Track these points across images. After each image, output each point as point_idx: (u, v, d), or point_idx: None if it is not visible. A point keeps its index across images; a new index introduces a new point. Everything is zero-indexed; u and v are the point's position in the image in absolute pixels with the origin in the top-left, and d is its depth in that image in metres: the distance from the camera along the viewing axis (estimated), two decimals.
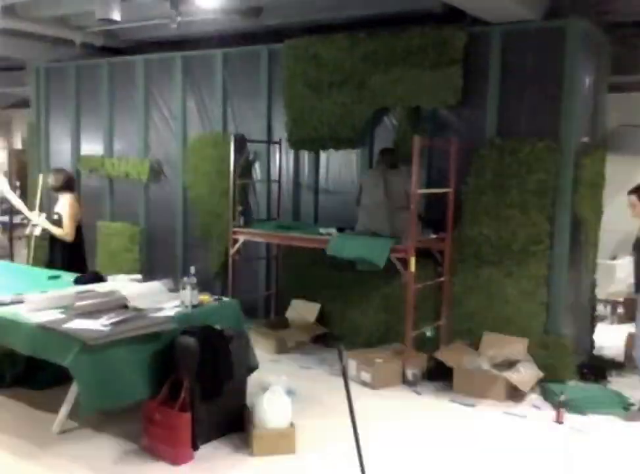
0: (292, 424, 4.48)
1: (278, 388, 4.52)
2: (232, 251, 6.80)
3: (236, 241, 6.81)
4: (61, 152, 9.27)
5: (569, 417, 5.09)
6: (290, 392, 4.62)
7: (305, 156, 7.29)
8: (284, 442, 4.41)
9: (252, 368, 5.14)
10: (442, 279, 6.18)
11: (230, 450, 4.47)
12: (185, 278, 4.97)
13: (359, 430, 4.71)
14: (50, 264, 6.57)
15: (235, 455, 4.41)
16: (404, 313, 5.98)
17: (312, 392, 5.52)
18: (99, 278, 5.77)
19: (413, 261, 5.66)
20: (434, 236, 6.08)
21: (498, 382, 5.46)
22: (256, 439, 4.39)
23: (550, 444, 4.69)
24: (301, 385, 5.59)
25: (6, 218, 10.64)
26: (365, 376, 5.77)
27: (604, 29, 6.26)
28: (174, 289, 5.34)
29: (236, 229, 6.78)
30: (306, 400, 5.31)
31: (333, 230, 6.30)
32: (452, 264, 6.18)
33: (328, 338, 6.86)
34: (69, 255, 6.54)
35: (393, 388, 5.73)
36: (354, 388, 5.58)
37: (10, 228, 10.34)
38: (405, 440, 4.69)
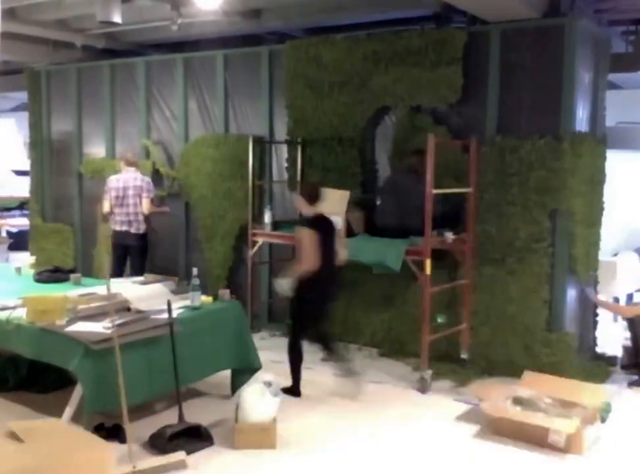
0: (274, 420, 4.52)
1: (262, 384, 4.59)
2: (250, 252, 6.70)
3: (255, 242, 6.71)
4: (63, 155, 9.29)
5: None
6: (275, 393, 4.64)
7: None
8: (264, 436, 4.46)
9: (254, 369, 5.16)
10: (462, 282, 6.09)
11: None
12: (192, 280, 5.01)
13: (365, 429, 4.79)
14: None
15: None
16: (406, 311, 6.00)
17: (310, 391, 5.54)
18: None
19: (428, 263, 5.51)
20: (453, 237, 5.90)
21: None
22: (237, 432, 4.47)
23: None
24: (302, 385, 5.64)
25: None
26: None
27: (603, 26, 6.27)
28: (177, 291, 5.36)
29: (255, 231, 6.66)
30: (302, 400, 5.36)
31: None
32: (454, 263, 6.19)
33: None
34: None
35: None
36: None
37: None
38: (409, 439, 4.71)
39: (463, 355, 6.12)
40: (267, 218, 6.69)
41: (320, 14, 7.03)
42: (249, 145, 6.73)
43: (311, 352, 6.60)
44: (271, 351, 6.58)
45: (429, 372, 5.65)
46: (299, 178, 7.03)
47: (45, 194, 9.51)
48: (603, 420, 4.83)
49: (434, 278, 5.72)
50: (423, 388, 5.61)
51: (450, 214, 6.05)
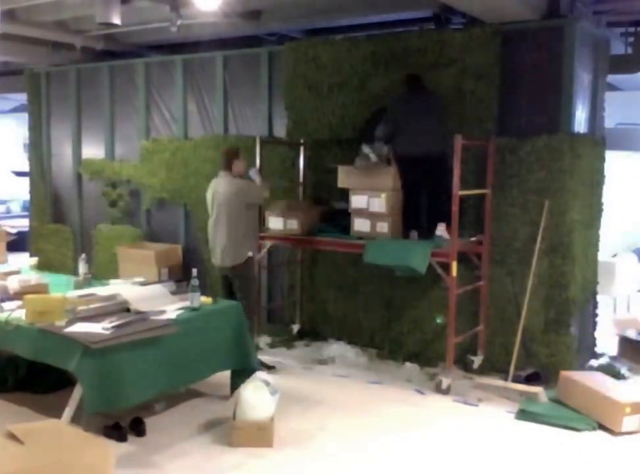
0: (272, 419, 4.53)
1: (260, 383, 4.60)
2: (258, 256, 6.52)
3: (262, 246, 6.56)
4: (63, 156, 9.30)
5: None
6: (272, 392, 4.65)
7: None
8: (262, 434, 4.48)
9: (253, 369, 5.17)
10: (480, 283, 6.07)
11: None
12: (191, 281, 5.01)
13: (363, 429, 4.80)
14: None
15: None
16: (405, 312, 5.97)
17: (309, 391, 5.57)
18: None
19: (455, 265, 5.49)
20: (472, 239, 5.96)
21: None
22: (235, 430, 4.50)
23: (549, 443, 4.71)
24: (298, 385, 5.67)
25: None
26: None
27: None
28: (176, 292, 5.37)
29: (262, 234, 6.47)
30: (300, 399, 5.36)
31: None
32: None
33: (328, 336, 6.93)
34: None
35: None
36: (359, 384, 5.71)
37: None
38: (408, 440, 4.71)
39: (474, 358, 6.13)
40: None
41: (319, 15, 7.04)
42: (256, 146, 6.64)
43: (310, 353, 6.64)
44: (271, 352, 6.64)
45: (449, 376, 5.62)
46: (301, 179, 7.03)
47: (45, 195, 9.51)
48: None
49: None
50: (444, 390, 5.58)
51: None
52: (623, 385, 5.49)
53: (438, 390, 5.61)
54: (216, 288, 7.50)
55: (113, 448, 4.22)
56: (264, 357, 6.10)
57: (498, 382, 5.63)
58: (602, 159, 6.25)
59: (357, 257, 5.98)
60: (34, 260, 6.94)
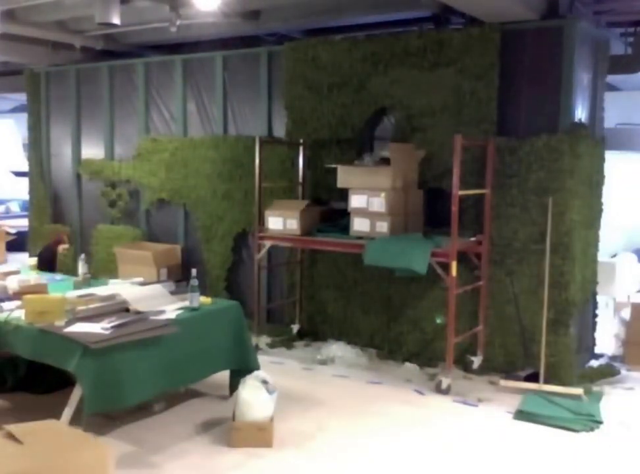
0: (271, 419, 4.53)
1: (258, 383, 4.60)
2: (257, 256, 6.60)
3: (261, 246, 6.58)
4: (62, 156, 9.30)
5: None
6: (271, 390, 4.65)
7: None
8: (261, 435, 4.47)
9: (253, 370, 5.16)
10: (480, 283, 6.07)
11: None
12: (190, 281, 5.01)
13: (363, 429, 4.80)
14: None
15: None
16: (404, 312, 5.94)
17: (308, 391, 5.57)
18: None
19: (454, 265, 5.49)
20: (472, 239, 5.96)
21: None
22: (234, 431, 4.50)
23: (547, 443, 4.70)
24: (298, 385, 5.67)
25: None
26: None
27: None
28: (175, 292, 5.36)
29: (262, 234, 6.50)
30: (300, 399, 5.37)
31: None
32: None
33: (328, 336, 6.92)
34: None
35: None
36: (359, 384, 5.71)
37: None
38: (408, 440, 4.70)
39: (473, 358, 6.14)
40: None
41: (319, 15, 7.03)
42: (255, 146, 6.61)
43: (310, 353, 6.64)
44: (270, 352, 6.64)
45: (449, 376, 5.63)
46: (300, 179, 7.02)
47: (44, 195, 9.51)
48: None
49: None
50: (444, 390, 5.57)
51: None
52: None
53: (438, 390, 5.61)
54: (216, 288, 7.54)
55: (112, 448, 4.24)
56: (264, 357, 6.09)
57: (528, 384, 5.58)
58: (602, 159, 6.25)
59: (357, 257, 5.98)
60: (33, 260, 7.00)
